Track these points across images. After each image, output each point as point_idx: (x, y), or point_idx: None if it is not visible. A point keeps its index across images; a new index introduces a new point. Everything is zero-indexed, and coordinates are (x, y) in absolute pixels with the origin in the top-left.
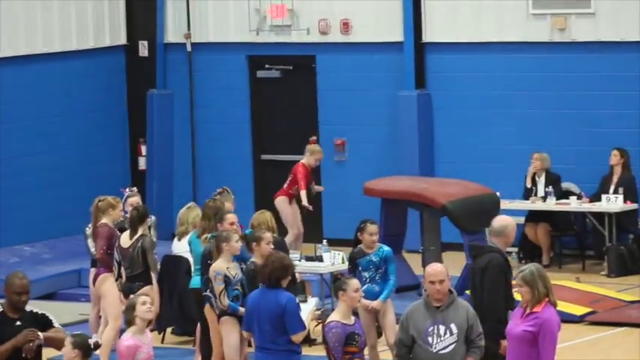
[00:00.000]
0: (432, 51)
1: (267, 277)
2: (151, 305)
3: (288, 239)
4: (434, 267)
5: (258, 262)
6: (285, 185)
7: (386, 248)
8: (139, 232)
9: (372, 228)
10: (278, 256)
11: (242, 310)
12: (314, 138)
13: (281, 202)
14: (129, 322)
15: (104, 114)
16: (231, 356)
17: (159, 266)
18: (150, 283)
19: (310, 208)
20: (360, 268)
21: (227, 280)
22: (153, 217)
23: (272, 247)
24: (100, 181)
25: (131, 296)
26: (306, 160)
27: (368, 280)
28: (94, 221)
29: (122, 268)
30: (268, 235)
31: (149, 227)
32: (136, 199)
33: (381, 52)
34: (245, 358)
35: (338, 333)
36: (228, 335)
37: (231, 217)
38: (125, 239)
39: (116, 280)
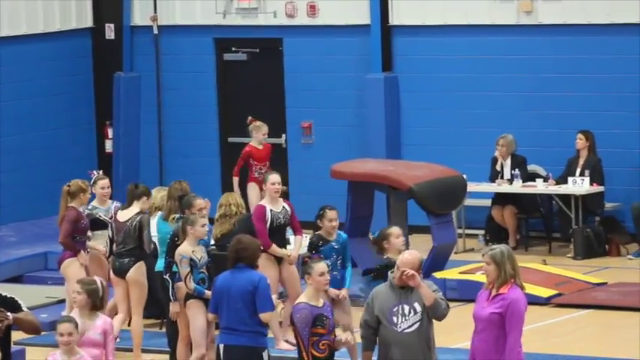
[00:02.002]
0: (399, 34)
1: (249, 258)
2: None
3: None
4: (407, 256)
5: (392, 257)
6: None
7: (343, 234)
8: (136, 209)
9: (332, 214)
10: (251, 237)
11: (208, 293)
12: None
13: (251, 188)
14: (97, 307)
15: (70, 97)
16: (198, 339)
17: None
18: (141, 259)
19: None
20: (321, 256)
21: (192, 264)
22: (118, 204)
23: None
24: (66, 164)
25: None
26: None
27: (330, 268)
28: (62, 206)
29: (114, 245)
30: (397, 230)
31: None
32: (106, 182)
33: (347, 35)
34: (212, 341)
35: (305, 314)
36: (194, 318)
37: (200, 204)
38: (123, 213)
39: (107, 257)
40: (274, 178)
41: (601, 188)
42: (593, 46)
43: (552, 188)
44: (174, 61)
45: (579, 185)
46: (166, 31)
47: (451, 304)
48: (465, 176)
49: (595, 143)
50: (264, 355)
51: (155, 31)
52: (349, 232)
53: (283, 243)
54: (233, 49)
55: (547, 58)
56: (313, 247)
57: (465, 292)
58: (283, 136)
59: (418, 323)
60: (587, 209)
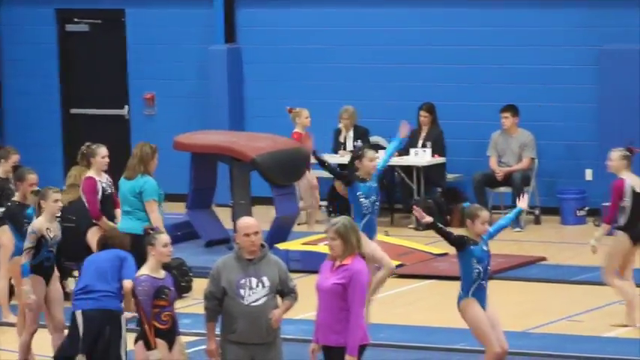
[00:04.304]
0: (242, 5)
1: (117, 245)
2: None
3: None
4: (246, 220)
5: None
6: None
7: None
8: None
9: (373, 153)
10: (120, 233)
11: (31, 297)
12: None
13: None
14: None
15: None
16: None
17: None
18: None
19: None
20: (361, 195)
21: (43, 241)
22: None
23: None
24: None
25: None
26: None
27: (370, 211)
28: None
29: None
30: (486, 214)
31: None
32: None
33: (190, 6)
34: (57, 323)
35: (147, 287)
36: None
37: (32, 178)
38: None
39: None
40: (105, 151)
41: (442, 159)
42: (434, 19)
43: (394, 159)
44: (14, 32)
45: (421, 157)
46: (6, 1)
47: (294, 276)
48: None
49: (437, 115)
50: (123, 319)
51: None
52: (192, 203)
53: (112, 213)
54: (75, 19)
55: (390, 30)
56: (353, 182)
57: (308, 263)
58: (126, 107)
59: (265, 297)
60: (429, 181)
